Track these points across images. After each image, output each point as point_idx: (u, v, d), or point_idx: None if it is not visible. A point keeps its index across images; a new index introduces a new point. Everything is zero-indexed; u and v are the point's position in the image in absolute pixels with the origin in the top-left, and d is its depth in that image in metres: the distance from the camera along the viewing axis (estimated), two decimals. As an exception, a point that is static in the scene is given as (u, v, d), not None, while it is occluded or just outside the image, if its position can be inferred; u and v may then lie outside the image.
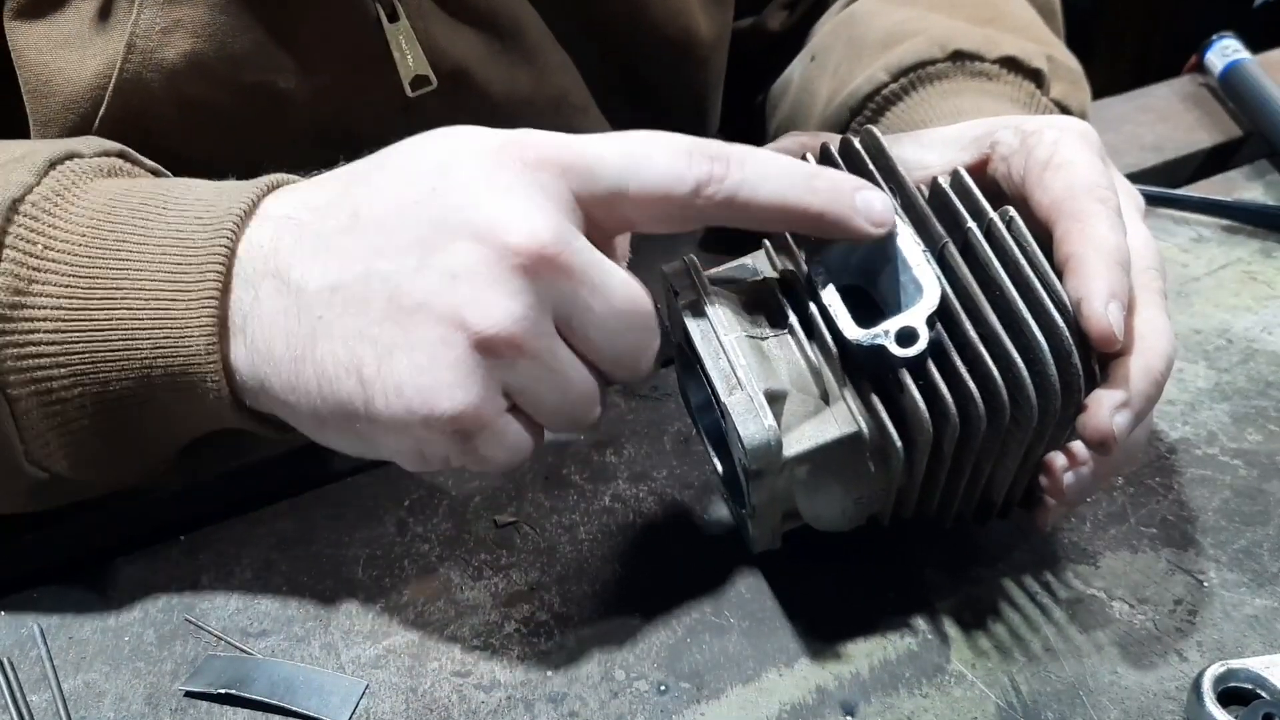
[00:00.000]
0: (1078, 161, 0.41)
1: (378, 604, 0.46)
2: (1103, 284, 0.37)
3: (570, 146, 0.37)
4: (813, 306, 0.39)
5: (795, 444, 0.39)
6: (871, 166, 0.40)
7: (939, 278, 0.38)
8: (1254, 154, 0.72)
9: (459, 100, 0.56)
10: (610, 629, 0.45)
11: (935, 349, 0.37)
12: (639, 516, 0.49)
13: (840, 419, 0.39)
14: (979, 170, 0.44)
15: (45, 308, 0.39)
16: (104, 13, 0.49)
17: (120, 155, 0.43)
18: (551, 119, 0.61)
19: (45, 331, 0.39)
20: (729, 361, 0.39)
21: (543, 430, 0.40)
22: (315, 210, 0.39)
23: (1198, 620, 0.45)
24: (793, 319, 0.40)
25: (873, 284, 0.40)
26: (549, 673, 0.43)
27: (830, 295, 0.38)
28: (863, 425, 0.39)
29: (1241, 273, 0.62)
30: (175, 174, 0.53)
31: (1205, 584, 0.46)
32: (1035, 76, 0.58)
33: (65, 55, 0.49)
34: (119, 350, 0.39)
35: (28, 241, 0.39)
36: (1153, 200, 0.64)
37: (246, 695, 0.42)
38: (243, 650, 0.44)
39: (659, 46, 0.62)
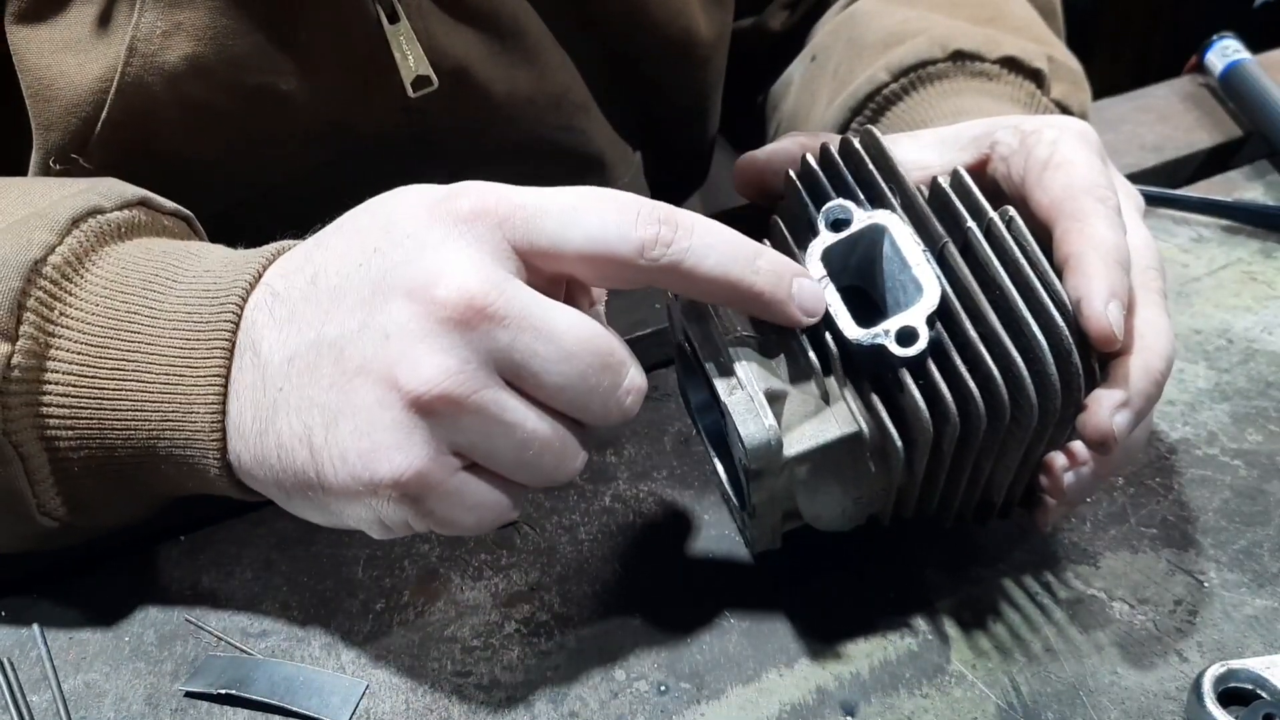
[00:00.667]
0: (1077, 161, 0.41)
1: (378, 604, 0.46)
2: (1102, 284, 0.37)
3: (510, 198, 0.36)
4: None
5: (795, 444, 0.39)
6: (871, 166, 0.40)
7: (939, 277, 0.38)
8: (1254, 154, 0.72)
9: (460, 100, 0.56)
10: (610, 629, 0.45)
11: (935, 349, 0.37)
12: (639, 517, 0.49)
13: (840, 419, 0.39)
14: (979, 170, 0.44)
15: (58, 371, 0.39)
16: (105, 17, 0.49)
17: (141, 203, 0.44)
18: (553, 118, 0.61)
19: (56, 394, 0.39)
20: (729, 361, 0.39)
21: (519, 486, 0.38)
22: (285, 276, 0.39)
23: (1198, 620, 0.45)
24: None
25: (872, 284, 0.40)
26: (549, 673, 0.43)
27: (830, 295, 0.38)
28: (863, 425, 0.39)
29: (1242, 273, 0.62)
30: (178, 177, 0.53)
31: (1205, 584, 0.46)
32: (1036, 77, 0.58)
33: (67, 59, 0.49)
34: (127, 421, 0.39)
35: (46, 306, 0.39)
36: (1153, 200, 0.64)
37: (247, 695, 0.42)
38: (243, 650, 0.44)
39: (659, 46, 0.62)
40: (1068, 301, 0.38)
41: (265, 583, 0.47)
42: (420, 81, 0.54)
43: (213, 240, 0.46)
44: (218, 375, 0.38)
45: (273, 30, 0.51)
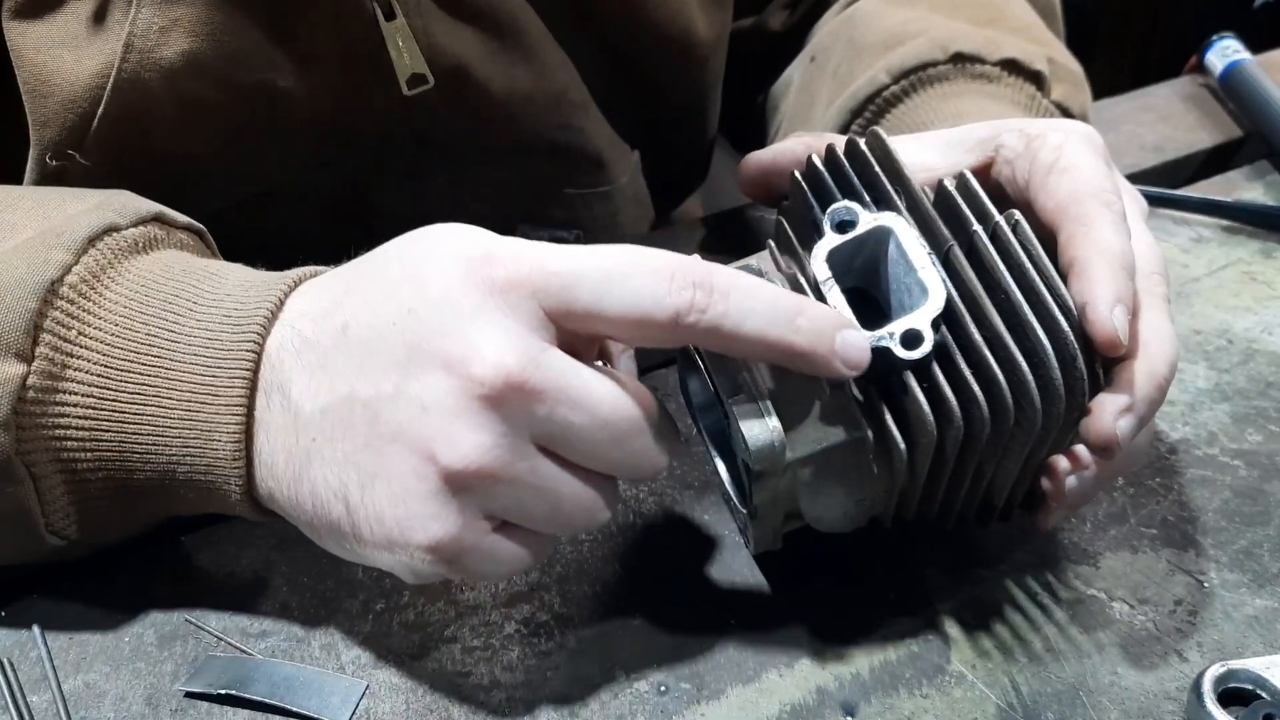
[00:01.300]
0: (1082, 165, 0.40)
1: (378, 605, 0.46)
2: (1107, 288, 0.37)
3: (545, 266, 0.36)
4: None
5: (798, 446, 0.39)
6: (877, 168, 0.40)
7: (944, 280, 0.38)
8: (1254, 154, 0.72)
9: (458, 98, 0.56)
10: (610, 629, 0.45)
11: (939, 351, 0.37)
12: (639, 517, 0.49)
13: (844, 421, 0.39)
14: (983, 173, 0.44)
15: (76, 394, 0.39)
16: (101, 12, 0.48)
17: (156, 219, 0.43)
18: (552, 116, 0.61)
19: (74, 417, 0.39)
20: (732, 362, 0.39)
21: (549, 537, 0.39)
22: (314, 320, 0.38)
23: (1198, 621, 0.45)
24: None
25: (877, 286, 0.40)
26: (549, 673, 0.43)
27: (835, 297, 0.38)
28: (866, 427, 0.39)
29: (1242, 273, 0.62)
30: (175, 173, 0.53)
31: (1206, 584, 0.46)
32: (1036, 78, 0.58)
33: (63, 55, 0.49)
34: (146, 446, 0.40)
35: (63, 326, 0.39)
36: (1153, 201, 0.64)
37: (246, 696, 0.42)
38: (243, 650, 0.44)
39: (658, 46, 0.62)
40: (1072, 306, 0.38)
41: (265, 583, 0.46)
42: (416, 80, 0.53)
43: (214, 236, 0.46)
44: (240, 404, 0.38)
45: (270, 27, 0.50)
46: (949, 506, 0.43)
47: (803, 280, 0.40)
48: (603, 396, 0.36)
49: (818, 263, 0.39)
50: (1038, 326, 0.37)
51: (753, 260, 0.43)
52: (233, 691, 0.42)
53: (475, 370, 0.35)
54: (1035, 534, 0.47)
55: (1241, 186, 0.69)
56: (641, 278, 0.36)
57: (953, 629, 0.44)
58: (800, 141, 0.48)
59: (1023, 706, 0.42)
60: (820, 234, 0.39)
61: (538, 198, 0.64)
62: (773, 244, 0.43)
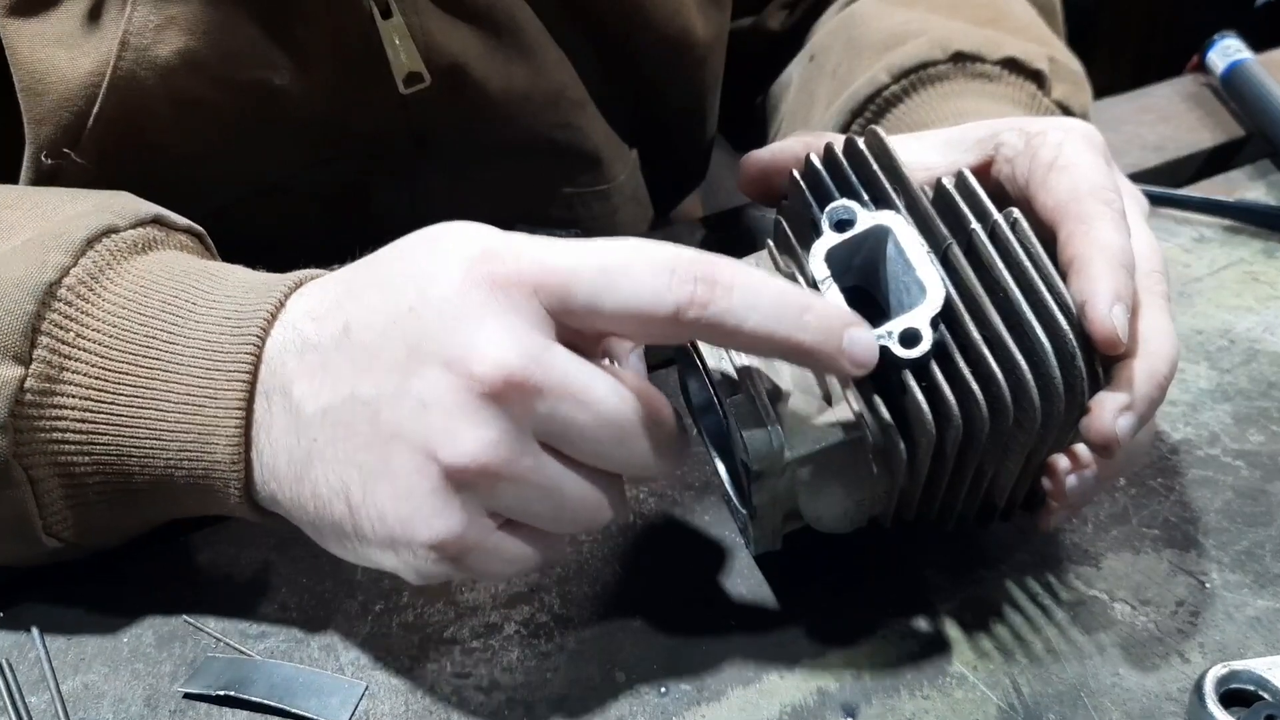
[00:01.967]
0: (1082, 163, 0.40)
1: (377, 606, 0.45)
2: (1107, 287, 0.37)
3: (544, 263, 0.36)
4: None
5: (798, 446, 0.39)
6: (876, 167, 0.40)
7: (943, 279, 0.38)
8: (1256, 154, 0.72)
9: (456, 97, 0.56)
10: (610, 631, 0.45)
11: (938, 350, 0.37)
12: (639, 518, 0.49)
13: (843, 421, 0.39)
14: (983, 172, 0.43)
15: (74, 396, 0.39)
16: (96, 11, 0.48)
17: (155, 221, 0.43)
18: (550, 115, 0.61)
19: (72, 420, 0.39)
20: (732, 362, 0.39)
21: (557, 536, 0.39)
22: (316, 320, 0.38)
23: (1200, 621, 0.44)
24: None
25: (876, 285, 0.40)
26: (549, 675, 0.43)
27: (834, 296, 0.38)
28: (866, 427, 0.38)
29: (1243, 273, 0.62)
30: (171, 171, 0.53)
31: (1207, 585, 0.46)
32: (1037, 78, 0.58)
33: (58, 53, 0.49)
34: (144, 449, 0.39)
35: (61, 329, 0.39)
36: (1154, 200, 0.64)
37: (246, 697, 0.42)
38: (242, 651, 0.44)
39: (656, 46, 0.62)
40: (1072, 305, 0.38)
41: (264, 584, 0.46)
42: (412, 78, 0.53)
43: (211, 235, 0.46)
44: (238, 407, 0.38)
45: (266, 25, 0.50)
46: (949, 507, 0.43)
47: (801, 280, 0.40)
48: (604, 394, 0.36)
49: (816, 262, 0.39)
50: (1037, 325, 0.37)
51: (752, 260, 0.43)
52: (232, 692, 0.42)
53: (475, 368, 0.34)
54: (1036, 534, 0.47)
55: (1243, 186, 0.69)
56: (641, 272, 0.35)
57: (953, 630, 0.44)
58: (799, 140, 0.48)
59: (1024, 708, 0.42)
60: (819, 233, 0.39)
61: (536, 197, 0.64)
62: (772, 243, 0.43)
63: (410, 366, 0.35)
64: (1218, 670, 0.41)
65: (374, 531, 0.37)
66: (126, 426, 0.39)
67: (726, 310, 0.35)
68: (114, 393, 0.39)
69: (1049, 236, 0.40)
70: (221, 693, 0.42)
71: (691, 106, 0.69)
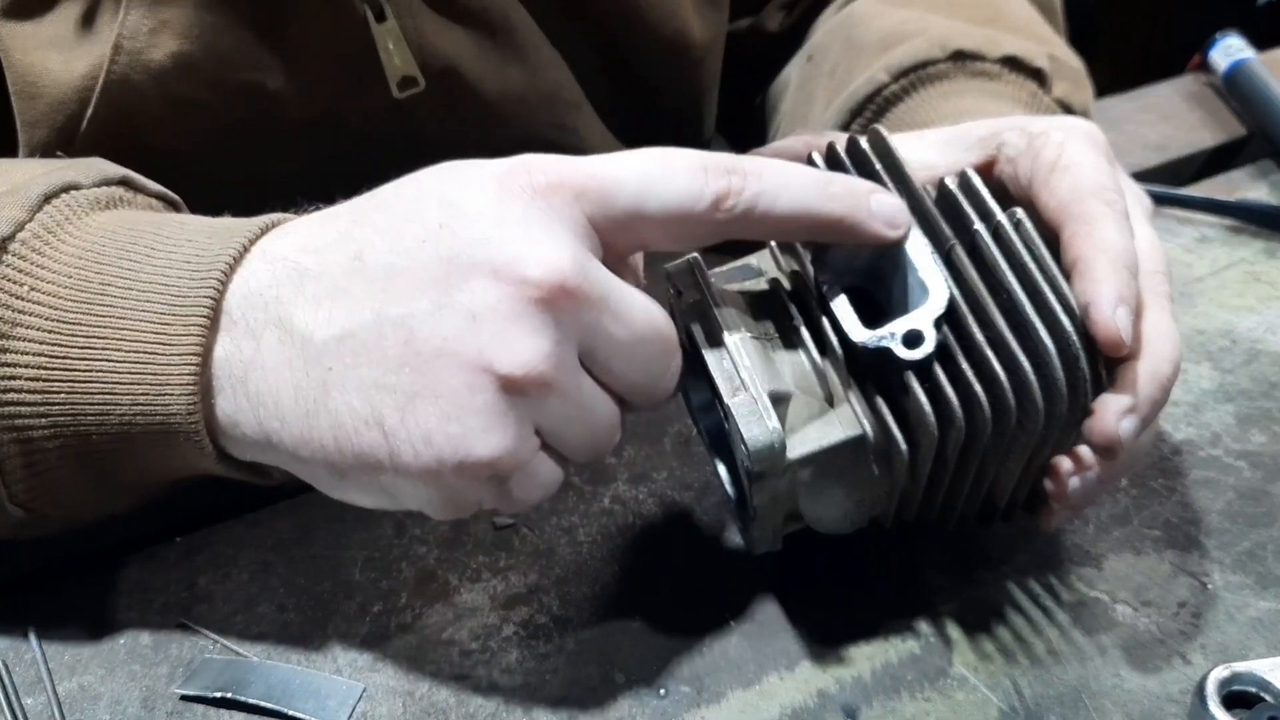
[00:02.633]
0: (1084, 163, 0.40)
1: (375, 607, 0.45)
2: (1110, 288, 0.37)
3: (582, 169, 0.36)
4: (818, 308, 0.39)
5: (799, 446, 0.38)
6: (878, 167, 0.40)
7: (946, 280, 0.37)
8: (1258, 153, 0.72)
9: (451, 99, 0.56)
10: (609, 632, 0.44)
11: (941, 351, 0.37)
12: (639, 518, 0.49)
13: (844, 421, 0.39)
14: (985, 171, 0.43)
15: (27, 353, 0.37)
16: (90, 14, 0.48)
17: (123, 182, 0.42)
18: (545, 116, 0.60)
19: (26, 379, 0.37)
20: (732, 362, 0.39)
21: (568, 463, 0.39)
22: (316, 253, 0.37)
23: (1201, 623, 0.44)
24: (797, 320, 0.40)
25: (878, 285, 0.40)
26: (547, 676, 0.43)
27: (836, 296, 0.38)
28: (867, 428, 0.38)
29: (1245, 273, 0.62)
30: (165, 175, 0.53)
31: (1209, 586, 0.46)
32: (1037, 76, 0.58)
33: (52, 57, 0.48)
34: (98, 404, 0.37)
35: (14, 283, 0.37)
36: (1156, 200, 0.64)
37: (243, 698, 0.41)
38: (239, 653, 0.44)
39: (652, 47, 0.62)
40: (1075, 306, 0.37)
41: (262, 585, 0.46)
42: (406, 82, 0.53)
43: None
44: (194, 353, 0.36)
45: (259, 27, 0.50)
46: (950, 507, 0.42)
47: (804, 280, 0.40)
48: (640, 311, 0.36)
49: (818, 262, 0.39)
50: (1040, 326, 0.37)
51: (753, 259, 0.43)
52: (229, 694, 0.41)
53: (530, 272, 0.34)
54: (1037, 535, 0.47)
55: (1245, 186, 0.69)
56: (677, 174, 0.36)
57: (954, 631, 0.44)
58: (801, 140, 0.48)
59: (1025, 709, 0.41)
60: (821, 233, 0.39)
61: None
62: (773, 244, 0.43)
63: (451, 280, 0.34)
64: (1219, 672, 0.41)
65: (416, 457, 0.35)
66: (79, 381, 0.37)
67: (759, 193, 0.36)
68: (67, 345, 0.37)
69: (1052, 237, 0.40)
70: (218, 694, 0.42)
71: (688, 108, 0.68)
